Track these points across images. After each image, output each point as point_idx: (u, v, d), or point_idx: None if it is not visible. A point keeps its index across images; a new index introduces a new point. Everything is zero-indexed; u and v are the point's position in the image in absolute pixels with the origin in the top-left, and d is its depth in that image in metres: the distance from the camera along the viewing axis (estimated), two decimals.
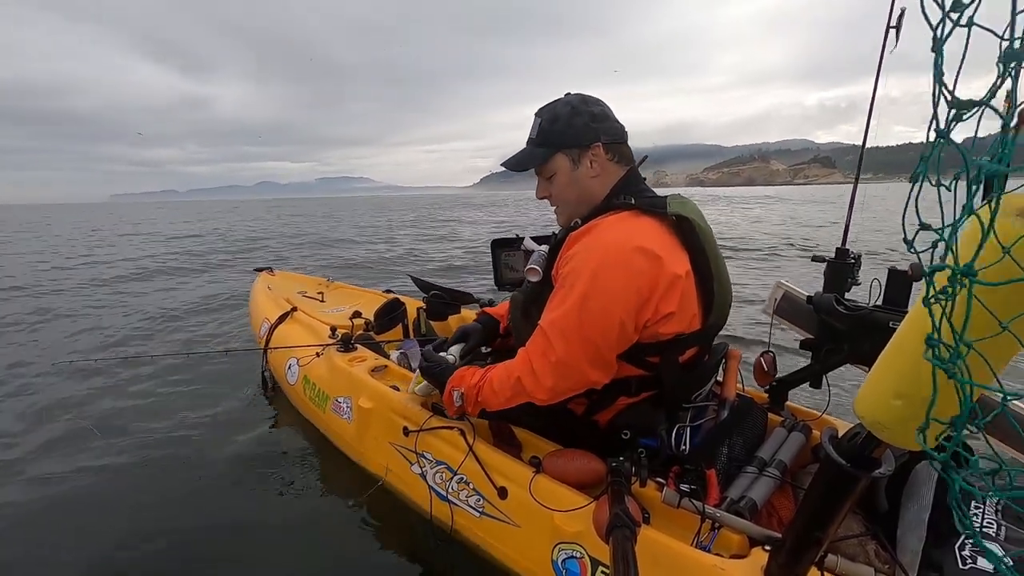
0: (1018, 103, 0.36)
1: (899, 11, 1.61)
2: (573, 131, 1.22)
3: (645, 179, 1.30)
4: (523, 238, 1.56)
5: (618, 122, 1.27)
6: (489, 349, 1.73)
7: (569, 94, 1.28)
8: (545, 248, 1.33)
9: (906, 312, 0.79)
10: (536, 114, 1.28)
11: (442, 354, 1.53)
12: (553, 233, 1.40)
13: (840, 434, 0.72)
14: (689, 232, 1.20)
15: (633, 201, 1.19)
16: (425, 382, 1.53)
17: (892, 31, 1.63)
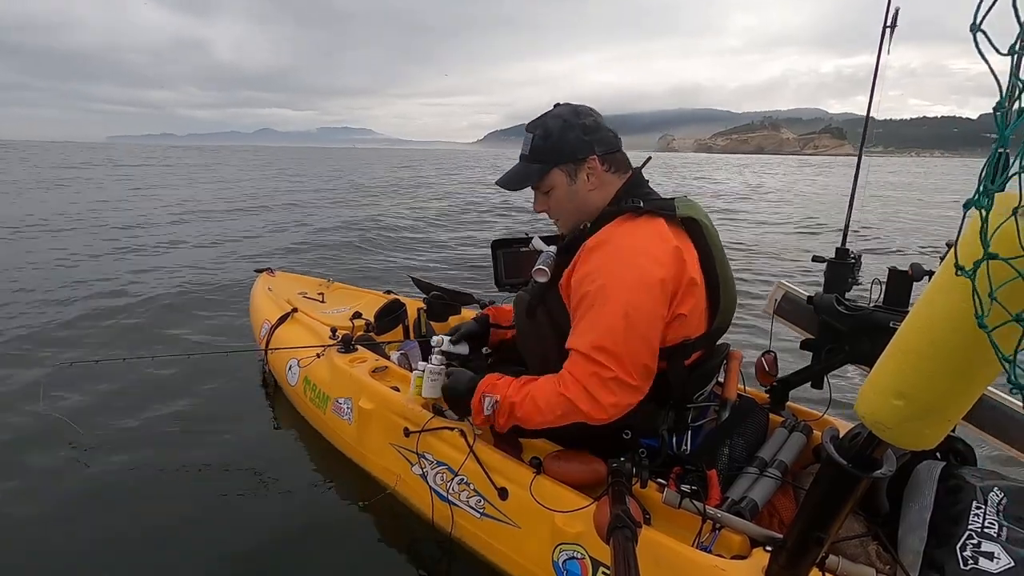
0: None
1: None
2: (567, 146, 1.21)
3: (648, 181, 1.30)
4: (531, 237, 1.55)
5: (610, 130, 1.26)
6: (490, 350, 1.73)
7: (559, 105, 1.27)
8: (554, 249, 1.32)
9: (907, 312, 0.79)
10: (527, 129, 1.27)
11: (434, 338, 1.53)
12: (562, 235, 1.40)
13: (841, 434, 0.72)
14: (697, 234, 1.20)
15: (642, 204, 1.19)
16: (427, 384, 1.51)
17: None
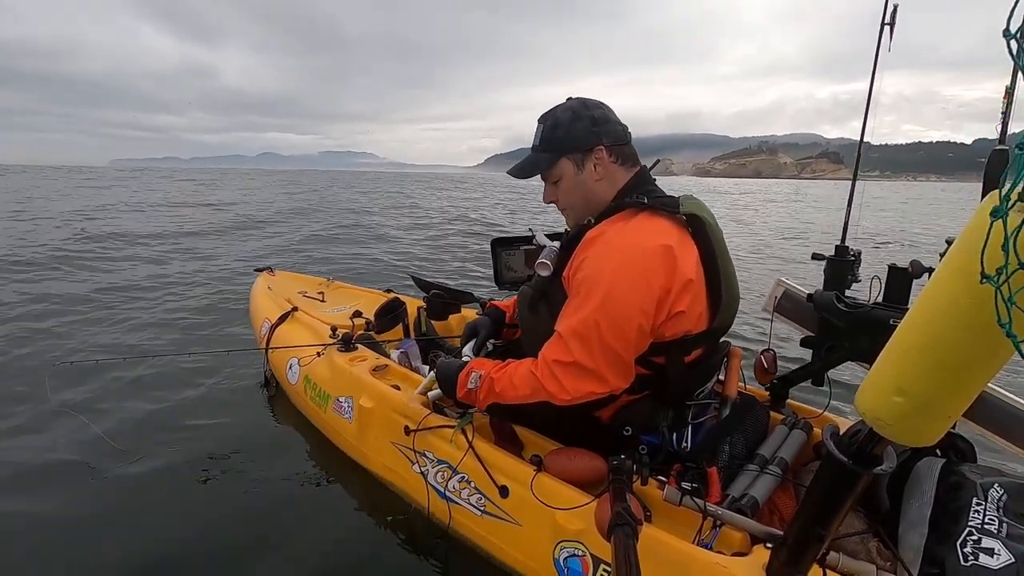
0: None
1: (892, 7, 1.62)
2: (575, 136, 1.24)
3: (655, 180, 1.31)
4: (534, 234, 1.56)
5: (620, 124, 1.28)
6: (494, 346, 1.73)
7: (571, 98, 1.30)
8: (557, 244, 1.34)
9: (906, 309, 0.79)
10: (539, 120, 1.30)
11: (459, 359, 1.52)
12: (566, 230, 1.41)
13: (841, 431, 0.72)
14: (700, 231, 1.20)
15: (646, 200, 1.20)
16: (438, 388, 1.52)
17: (887, 28, 1.63)
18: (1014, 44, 0.35)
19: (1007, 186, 0.40)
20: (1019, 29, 0.34)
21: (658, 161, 1.43)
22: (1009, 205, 0.40)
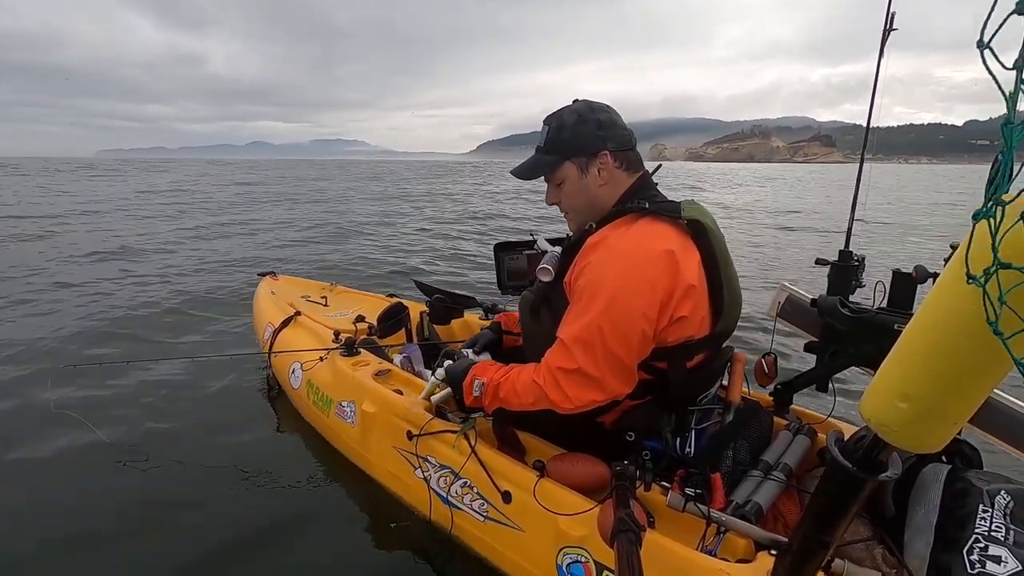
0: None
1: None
2: (579, 139, 1.24)
3: (657, 184, 1.31)
4: (535, 239, 1.56)
5: (625, 128, 1.28)
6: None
7: (577, 101, 1.29)
8: (558, 249, 1.34)
9: (911, 314, 0.78)
10: (544, 122, 1.30)
11: (460, 352, 1.56)
12: (568, 235, 1.41)
13: (846, 437, 0.72)
14: (702, 237, 1.20)
15: (647, 205, 1.20)
16: (442, 392, 1.53)
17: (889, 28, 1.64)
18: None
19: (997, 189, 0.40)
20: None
21: (659, 166, 1.43)
22: (991, 207, 0.41)
